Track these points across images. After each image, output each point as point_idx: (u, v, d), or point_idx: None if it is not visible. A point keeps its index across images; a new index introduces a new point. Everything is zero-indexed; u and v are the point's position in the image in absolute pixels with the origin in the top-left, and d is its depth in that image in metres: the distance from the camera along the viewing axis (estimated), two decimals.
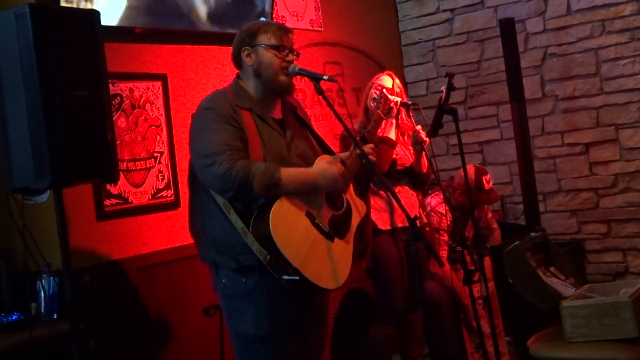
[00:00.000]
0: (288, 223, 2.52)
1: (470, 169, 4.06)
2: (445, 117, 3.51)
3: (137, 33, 3.57)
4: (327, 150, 2.91)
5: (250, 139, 2.59)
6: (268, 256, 2.47)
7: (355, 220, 2.81)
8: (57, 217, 2.65)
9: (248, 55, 2.70)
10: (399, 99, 3.51)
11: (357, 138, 2.88)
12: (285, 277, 2.50)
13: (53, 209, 2.67)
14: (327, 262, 2.61)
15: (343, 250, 2.71)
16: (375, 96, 3.30)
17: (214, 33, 3.86)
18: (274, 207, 2.50)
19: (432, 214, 4.03)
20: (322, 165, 2.68)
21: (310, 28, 4.74)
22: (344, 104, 4.03)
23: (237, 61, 2.77)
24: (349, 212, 2.77)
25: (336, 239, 2.68)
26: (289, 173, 2.55)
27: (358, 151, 2.74)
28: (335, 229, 2.68)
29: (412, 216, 2.70)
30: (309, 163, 2.70)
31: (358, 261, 3.09)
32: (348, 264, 2.73)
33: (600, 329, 3.08)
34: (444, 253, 3.98)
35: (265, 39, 2.69)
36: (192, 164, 2.67)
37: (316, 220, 2.61)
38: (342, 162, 2.78)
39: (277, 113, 2.77)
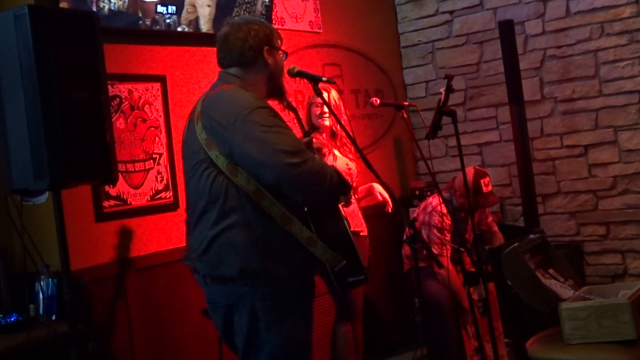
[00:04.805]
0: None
1: (470, 172, 4.06)
2: (444, 118, 3.52)
3: (136, 34, 3.57)
4: None
5: None
6: (343, 262, 2.40)
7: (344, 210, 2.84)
8: (55, 219, 2.65)
9: (269, 56, 2.60)
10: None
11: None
12: (351, 278, 2.46)
13: (52, 210, 2.67)
14: (361, 254, 2.63)
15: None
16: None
17: (213, 34, 3.86)
18: (341, 209, 2.44)
19: (434, 213, 4.04)
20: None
21: (310, 30, 4.74)
22: (345, 106, 4.06)
23: (252, 58, 2.58)
24: None
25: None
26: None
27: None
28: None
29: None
30: None
31: None
32: None
33: (599, 331, 3.08)
34: (447, 253, 3.98)
35: (279, 42, 2.67)
36: (258, 163, 2.36)
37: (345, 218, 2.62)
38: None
39: None
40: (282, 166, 2.32)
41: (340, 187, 2.43)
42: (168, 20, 3.70)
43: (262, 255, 2.42)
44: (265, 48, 2.59)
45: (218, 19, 3.89)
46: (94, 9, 3.31)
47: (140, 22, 3.56)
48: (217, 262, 2.47)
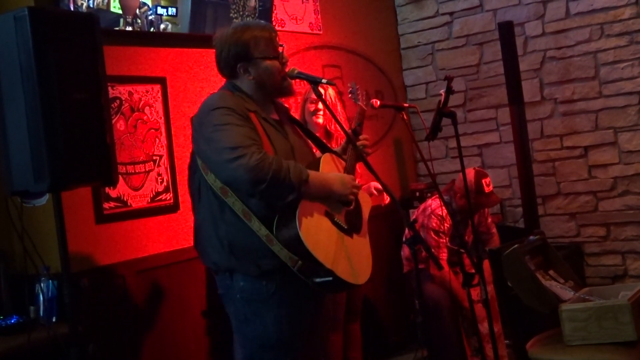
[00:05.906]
0: (313, 225, 2.48)
1: (470, 172, 4.06)
2: (444, 120, 3.52)
3: (136, 36, 3.57)
4: (325, 148, 2.91)
5: (262, 140, 2.55)
6: (299, 261, 2.41)
7: (365, 213, 2.82)
8: (56, 220, 2.65)
9: (246, 71, 2.62)
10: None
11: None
12: (317, 279, 2.46)
13: (52, 212, 2.67)
14: (352, 259, 2.61)
15: (362, 244, 2.73)
16: (350, 89, 3.30)
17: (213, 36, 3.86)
18: (298, 210, 2.44)
19: (432, 216, 4.03)
20: (337, 172, 2.70)
21: (310, 31, 4.75)
22: (343, 106, 4.05)
23: (229, 73, 2.67)
24: (358, 205, 2.78)
25: (354, 235, 2.68)
26: (312, 175, 2.52)
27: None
28: (352, 225, 2.68)
29: None
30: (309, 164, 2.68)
31: None
32: (370, 258, 2.75)
33: (599, 332, 3.08)
34: (443, 255, 3.99)
35: (260, 51, 2.61)
36: (211, 162, 2.48)
37: (335, 219, 2.60)
38: (341, 157, 2.85)
39: (274, 115, 2.74)
40: (222, 162, 2.41)
41: (288, 185, 2.41)
42: (151, 17, 3.60)
43: (228, 252, 2.51)
44: (240, 65, 2.62)
45: (193, 19, 3.81)
46: (72, 7, 3.23)
47: (121, 19, 3.47)
48: (201, 253, 2.65)
